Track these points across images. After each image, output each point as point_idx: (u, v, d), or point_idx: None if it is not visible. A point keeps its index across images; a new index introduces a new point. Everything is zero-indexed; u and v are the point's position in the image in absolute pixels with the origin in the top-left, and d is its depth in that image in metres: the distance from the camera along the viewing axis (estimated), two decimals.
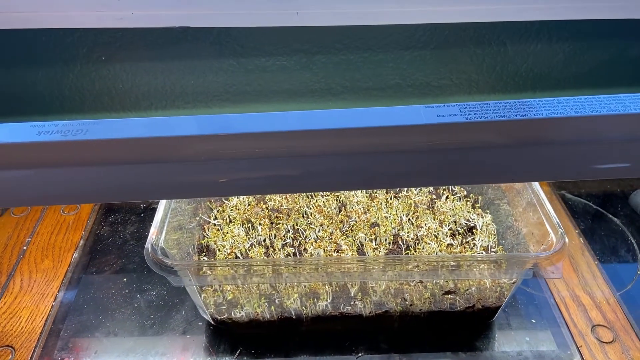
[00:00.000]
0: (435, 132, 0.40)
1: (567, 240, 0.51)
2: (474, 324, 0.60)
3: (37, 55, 0.39)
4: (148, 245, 0.52)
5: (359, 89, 0.43)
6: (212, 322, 0.61)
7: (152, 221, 0.56)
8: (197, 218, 0.66)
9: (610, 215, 0.74)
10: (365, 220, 0.65)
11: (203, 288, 0.56)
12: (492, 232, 0.63)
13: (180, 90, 0.41)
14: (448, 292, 0.56)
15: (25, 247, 0.71)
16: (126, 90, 0.45)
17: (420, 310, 0.58)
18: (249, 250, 0.62)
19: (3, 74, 0.42)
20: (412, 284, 0.56)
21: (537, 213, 0.56)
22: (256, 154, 0.40)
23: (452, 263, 0.53)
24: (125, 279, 0.67)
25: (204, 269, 0.52)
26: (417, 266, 0.51)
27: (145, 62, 0.40)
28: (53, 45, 0.38)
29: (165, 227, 0.56)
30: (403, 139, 0.41)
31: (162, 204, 0.59)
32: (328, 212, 0.67)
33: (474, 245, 0.61)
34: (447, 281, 0.55)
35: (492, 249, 0.61)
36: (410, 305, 0.58)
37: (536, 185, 0.58)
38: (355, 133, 0.40)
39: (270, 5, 0.40)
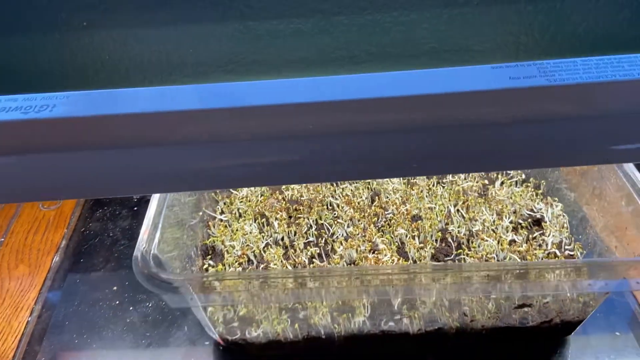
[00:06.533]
0: (508, 99, 0.31)
1: None
2: (547, 340, 0.49)
3: (6, 20, 0.32)
4: (137, 253, 0.41)
5: (388, 56, 0.35)
6: (222, 343, 0.50)
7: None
8: (200, 213, 0.55)
9: None
10: (405, 212, 0.53)
11: (207, 304, 0.45)
12: (564, 225, 0.51)
13: (178, 60, 0.34)
14: (521, 306, 0.44)
15: None
16: (114, 62, 0.37)
17: (482, 326, 0.47)
18: (264, 252, 0.51)
19: None
20: (471, 296, 0.45)
21: (633, 201, 0.44)
22: (274, 133, 0.31)
23: (519, 270, 0.41)
24: (115, 287, 0.56)
25: (211, 283, 0.41)
26: (487, 275, 0.40)
27: (136, 27, 0.33)
28: (25, 9, 0.31)
29: (159, 225, 0.45)
30: (466, 110, 0.32)
31: (156, 197, 0.47)
32: (358, 203, 0.55)
33: (543, 242, 0.50)
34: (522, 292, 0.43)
35: (567, 247, 0.49)
36: (471, 321, 0.46)
37: (629, 165, 0.46)
38: (404, 102, 0.31)
39: None
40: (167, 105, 0.29)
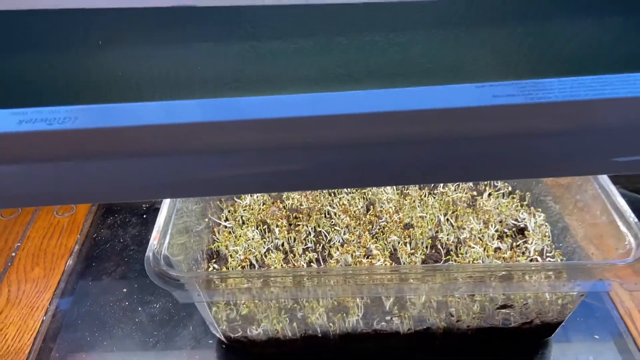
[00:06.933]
0: (490, 115, 0.34)
1: None
2: (529, 341, 0.52)
3: (26, 39, 0.34)
4: (149, 253, 0.44)
5: (385, 75, 0.38)
6: (225, 341, 0.53)
7: (155, 223, 0.49)
8: (206, 220, 0.58)
9: None
10: (398, 220, 0.57)
11: (212, 303, 0.48)
12: (546, 234, 0.55)
13: (186, 77, 0.36)
14: (503, 307, 0.47)
15: (14, 254, 0.64)
16: (126, 79, 0.39)
17: (467, 326, 0.50)
18: (266, 257, 0.54)
19: None
20: (457, 297, 0.48)
21: (607, 211, 0.48)
22: (275, 144, 0.34)
23: (503, 272, 0.45)
24: (125, 290, 0.60)
25: (215, 280, 0.44)
26: (471, 276, 0.43)
27: (147, 46, 0.35)
28: (44, 29, 0.33)
29: (169, 230, 0.48)
30: (452, 125, 0.35)
31: (166, 204, 0.51)
32: (354, 212, 0.59)
33: (525, 250, 0.53)
34: (502, 294, 0.46)
35: (548, 254, 0.53)
36: (457, 321, 0.49)
37: (604, 178, 0.50)
38: (394, 117, 0.33)
39: None
40: (179, 117, 0.32)
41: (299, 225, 0.57)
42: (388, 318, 0.50)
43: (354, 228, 0.56)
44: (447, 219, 0.57)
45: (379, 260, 0.52)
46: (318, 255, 0.54)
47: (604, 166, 0.38)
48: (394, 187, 0.61)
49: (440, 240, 0.55)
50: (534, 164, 0.37)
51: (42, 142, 0.32)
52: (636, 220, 0.45)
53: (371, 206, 0.59)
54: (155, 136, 0.33)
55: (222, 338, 0.52)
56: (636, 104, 0.33)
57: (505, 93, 0.33)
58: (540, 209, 0.57)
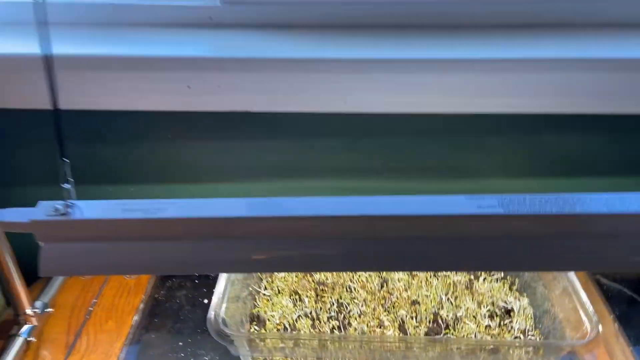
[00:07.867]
0: (475, 222, 0.44)
1: (600, 329, 0.53)
2: None
3: (112, 133, 0.48)
4: (211, 314, 0.57)
5: (401, 169, 0.51)
6: None
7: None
8: (249, 288, 0.71)
9: None
10: (407, 297, 0.69)
11: (254, 357, 0.60)
12: (529, 315, 0.66)
13: (237, 165, 0.49)
14: None
15: (91, 309, 0.77)
16: (189, 165, 0.52)
17: None
18: (296, 322, 0.66)
19: (92, 148, 0.49)
20: None
21: (572, 301, 0.59)
22: (309, 235, 0.45)
23: (491, 346, 0.56)
24: (180, 343, 0.72)
25: (257, 340, 0.57)
26: (459, 348, 0.55)
27: (207, 141, 0.48)
28: (130, 125, 0.47)
29: (226, 297, 0.61)
30: (444, 228, 0.46)
31: (223, 276, 0.64)
32: (371, 288, 0.71)
33: (511, 328, 0.64)
34: None
35: (530, 333, 0.63)
36: None
37: (571, 272, 0.61)
38: (399, 220, 0.44)
39: (320, 92, 0.46)
40: (237, 212, 0.44)
41: (324, 296, 0.70)
42: None
43: (370, 301, 0.68)
44: (448, 298, 0.69)
45: (389, 330, 0.64)
46: (339, 322, 0.66)
47: (569, 264, 0.49)
48: None
49: (441, 315, 0.66)
50: (513, 260, 0.49)
51: (140, 226, 0.45)
52: (592, 309, 0.56)
53: (385, 283, 0.71)
54: (220, 225, 0.45)
55: None
56: (587, 219, 0.45)
57: (488, 204, 0.45)
58: (525, 294, 0.69)
